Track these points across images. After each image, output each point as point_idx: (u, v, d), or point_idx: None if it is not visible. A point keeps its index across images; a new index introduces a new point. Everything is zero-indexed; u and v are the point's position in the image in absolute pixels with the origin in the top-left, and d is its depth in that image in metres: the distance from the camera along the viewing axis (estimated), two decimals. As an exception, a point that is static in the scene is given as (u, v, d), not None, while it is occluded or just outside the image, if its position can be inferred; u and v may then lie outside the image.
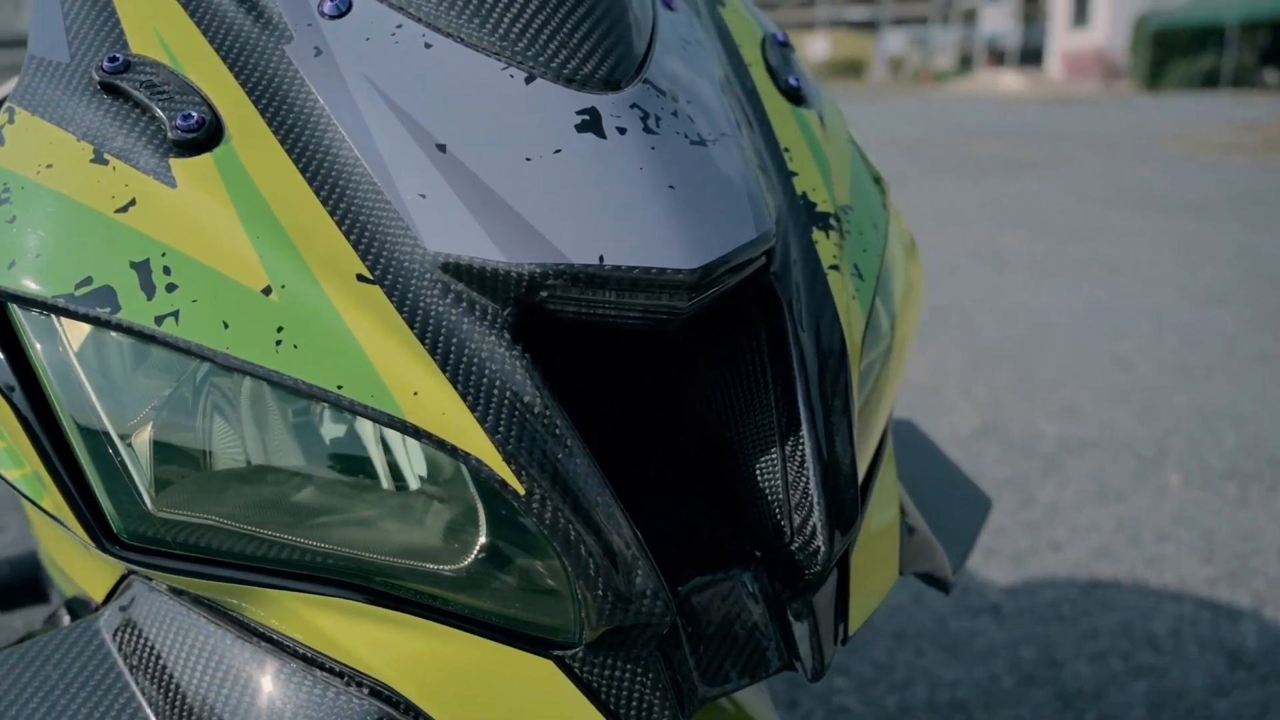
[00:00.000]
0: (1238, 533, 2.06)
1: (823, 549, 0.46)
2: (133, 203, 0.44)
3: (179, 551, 0.45)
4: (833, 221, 0.54)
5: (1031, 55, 30.62)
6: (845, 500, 0.47)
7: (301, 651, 0.47)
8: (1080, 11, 26.66)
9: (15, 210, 0.45)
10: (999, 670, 1.63)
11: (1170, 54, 20.60)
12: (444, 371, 0.41)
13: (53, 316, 0.44)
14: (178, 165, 0.44)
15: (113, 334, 0.43)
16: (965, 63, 34.68)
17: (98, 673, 0.48)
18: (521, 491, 0.40)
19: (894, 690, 1.59)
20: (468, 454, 0.40)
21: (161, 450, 0.44)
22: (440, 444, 0.41)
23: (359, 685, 0.46)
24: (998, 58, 32.51)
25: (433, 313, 0.42)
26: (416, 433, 0.40)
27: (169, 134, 0.45)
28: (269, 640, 0.47)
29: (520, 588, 0.43)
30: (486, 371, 0.41)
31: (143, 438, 0.44)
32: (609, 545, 0.41)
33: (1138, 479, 2.32)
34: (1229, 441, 2.52)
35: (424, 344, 0.41)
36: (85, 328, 0.43)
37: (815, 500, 0.46)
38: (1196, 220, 5.51)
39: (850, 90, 25.29)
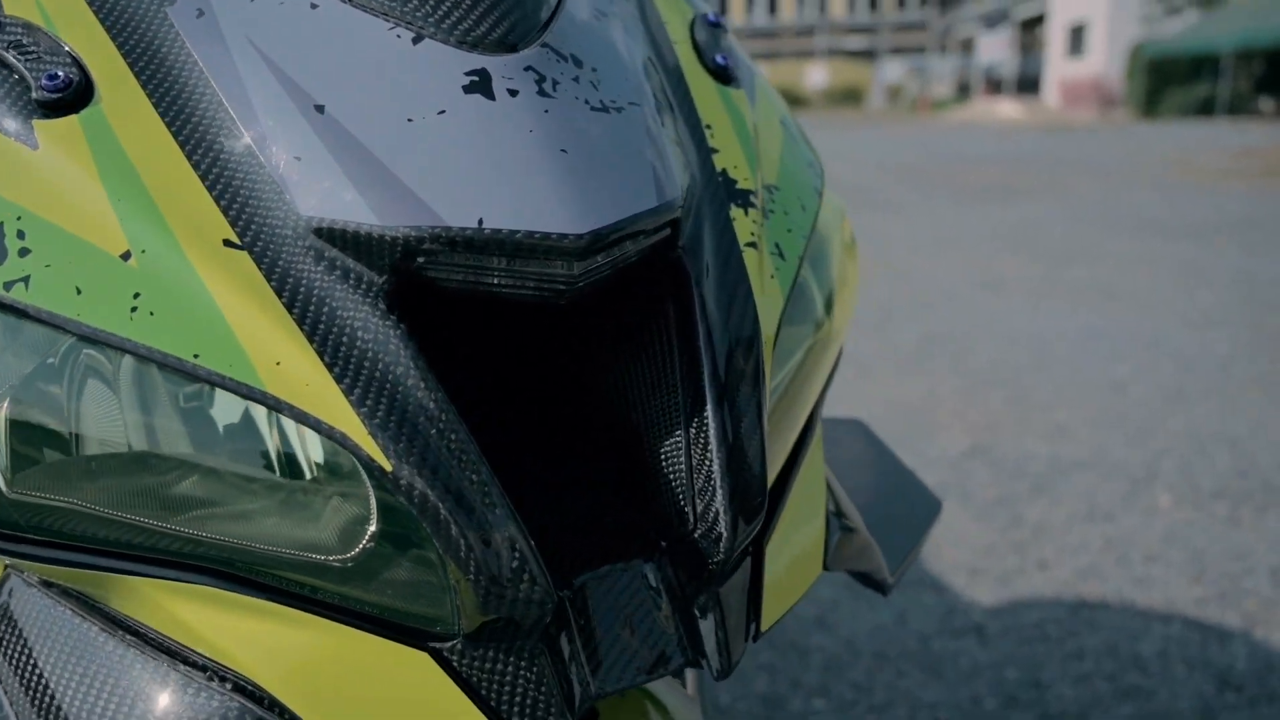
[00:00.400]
0: (1228, 553, 2.02)
1: (725, 535, 0.44)
2: None
3: (38, 537, 0.43)
4: (753, 199, 0.52)
5: (1029, 84, 30.83)
6: (752, 484, 0.45)
7: (167, 645, 0.44)
8: (1076, 41, 26.88)
9: None
10: (981, 692, 1.59)
11: (1166, 82, 20.72)
12: (311, 341, 0.39)
13: None
14: (41, 127, 0.43)
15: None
16: (963, 91, 34.93)
17: None
18: (388, 468, 0.38)
19: (873, 711, 1.55)
20: (331, 427, 0.38)
21: (20, 430, 0.41)
22: (302, 416, 0.38)
23: (222, 680, 0.43)
24: (995, 86, 32.74)
25: (303, 280, 0.40)
26: (277, 404, 0.38)
27: (34, 94, 0.43)
28: (135, 634, 0.45)
29: (402, 576, 0.41)
30: (358, 342, 0.39)
31: (6, 418, 0.41)
32: (482, 526, 0.38)
33: (1128, 499, 2.29)
34: (1222, 463, 2.48)
35: (291, 312, 0.39)
36: None
37: (718, 484, 0.44)
38: (1194, 245, 5.50)
39: (848, 118, 25.43)
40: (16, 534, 0.43)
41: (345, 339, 0.39)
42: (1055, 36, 28.05)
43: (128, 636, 0.45)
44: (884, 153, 12.76)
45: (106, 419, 0.41)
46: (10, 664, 0.46)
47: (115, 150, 0.42)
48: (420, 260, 0.40)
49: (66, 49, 0.45)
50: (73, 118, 0.43)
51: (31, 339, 0.41)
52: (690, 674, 0.64)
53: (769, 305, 0.50)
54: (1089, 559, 2.01)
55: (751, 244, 0.50)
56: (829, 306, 0.59)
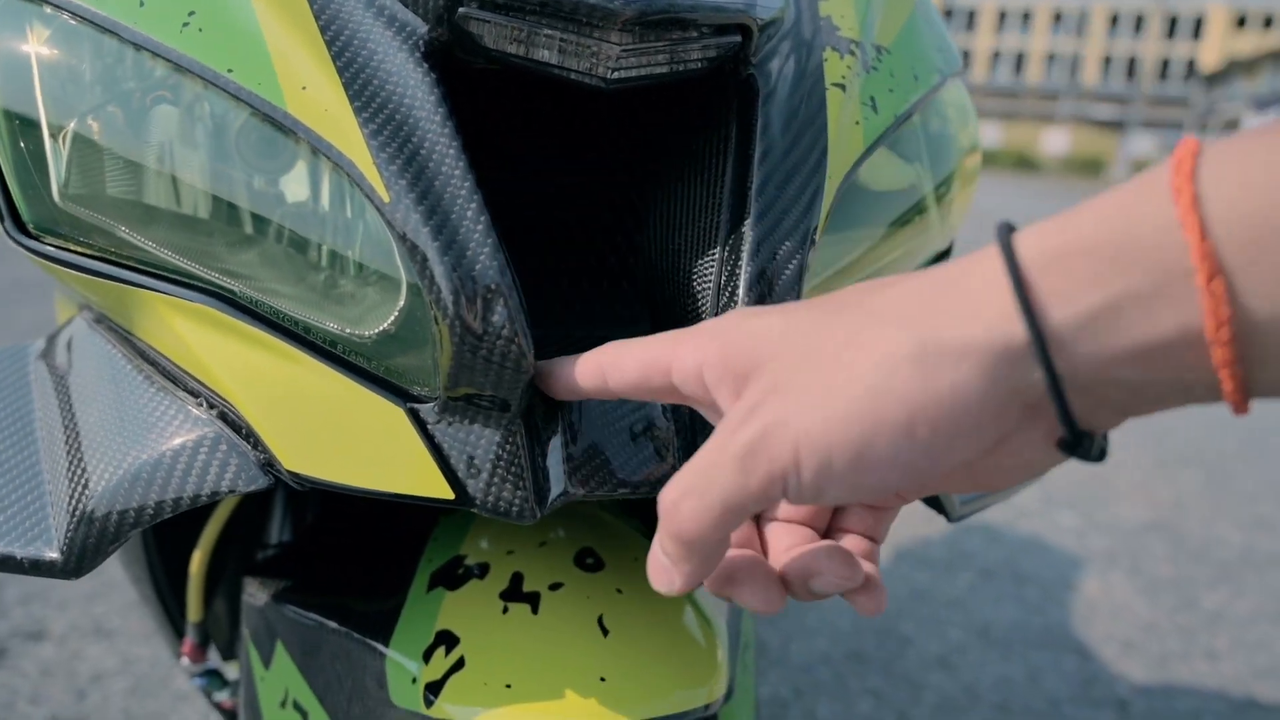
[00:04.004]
0: None
1: None
2: None
3: (75, 248, 0.45)
4: (853, 48, 0.50)
5: (1300, 175, 28.05)
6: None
7: (173, 372, 0.46)
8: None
9: None
10: (1110, 768, 1.42)
11: None
12: (341, 75, 0.40)
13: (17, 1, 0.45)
14: None
15: (74, 25, 0.43)
16: (1220, 175, 32.28)
17: (7, 385, 0.50)
18: (386, 199, 0.38)
19: (981, 761, 1.42)
20: (341, 153, 0.39)
21: (84, 147, 0.43)
22: (316, 140, 0.39)
23: (210, 407, 0.45)
24: (1259, 173, 30.04)
25: (350, 20, 0.41)
26: (295, 124, 0.39)
27: None
28: (152, 363, 0.47)
29: (398, 333, 0.40)
30: (387, 82, 0.40)
31: (70, 133, 0.43)
32: (470, 271, 0.37)
33: (1332, 608, 2.00)
34: None
35: (331, 48, 0.40)
36: (52, 17, 0.44)
37: (741, 301, 0.40)
38: None
39: (1085, 188, 24.03)
40: (59, 243, 0.46)
41: (376, 77, 0.40)
42: (1338, 126, 25.46)
43: (144, 365, 0.48)
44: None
45: (170, 155, 0.42)
46: (44, 386, 0.50)
47: None
48: (463, 10, 0.40)
49: None
50: None
51: (118, 68, 0.43)
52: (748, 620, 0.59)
53: (843, 149, 0.46)
54: (1269, 660, 1.77)
55: (840, 85, 0.48)
56: (935, 199, 0.55)
